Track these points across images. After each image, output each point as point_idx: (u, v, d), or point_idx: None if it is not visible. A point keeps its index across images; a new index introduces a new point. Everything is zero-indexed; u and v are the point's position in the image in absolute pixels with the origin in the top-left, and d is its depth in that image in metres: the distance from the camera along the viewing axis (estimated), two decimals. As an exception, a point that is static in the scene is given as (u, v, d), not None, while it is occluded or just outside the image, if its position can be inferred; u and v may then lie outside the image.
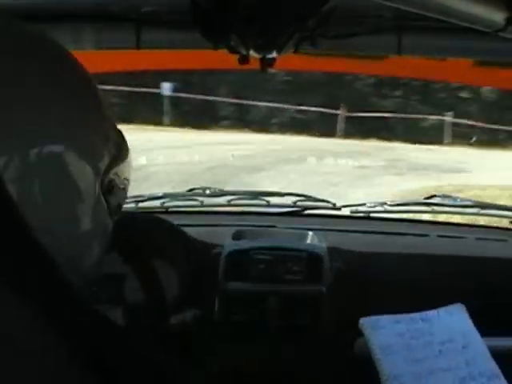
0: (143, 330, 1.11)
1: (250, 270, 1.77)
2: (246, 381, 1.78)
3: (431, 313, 1.26)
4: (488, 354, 1.19)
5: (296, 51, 1.16)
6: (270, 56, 1.15)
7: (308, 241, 1.85)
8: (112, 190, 0.71)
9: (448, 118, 15.80)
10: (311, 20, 1.07)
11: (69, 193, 0.65)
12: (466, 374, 1.14)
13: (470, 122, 15.09)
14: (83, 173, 0.66)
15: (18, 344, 0.50)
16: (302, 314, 1.77)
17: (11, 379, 0.48)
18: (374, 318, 1.22)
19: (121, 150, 0.73)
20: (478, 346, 1.21)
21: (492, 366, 1.17)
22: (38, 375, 0.50)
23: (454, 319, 1.27)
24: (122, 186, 0.73)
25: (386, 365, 1.14)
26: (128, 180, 0.75)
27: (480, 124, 14.85)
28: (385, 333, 1.20)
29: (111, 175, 0.70)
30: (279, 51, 1.13)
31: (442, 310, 1.28)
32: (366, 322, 1.21)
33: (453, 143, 14.81)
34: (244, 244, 1.83)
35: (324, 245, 1.83)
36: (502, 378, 1.14)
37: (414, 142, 13.62)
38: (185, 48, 1.35)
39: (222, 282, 1.77)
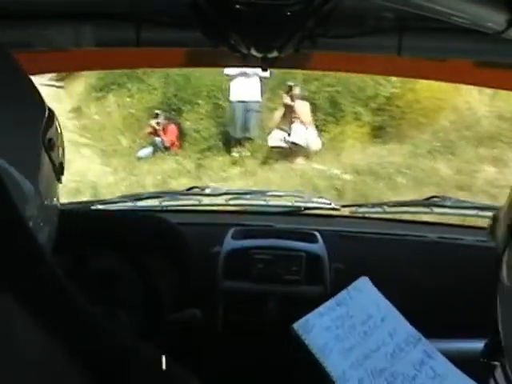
0: (141, 330, 1.10)
1: (248, 270, 1.77)
2: (245, 380, 1.78)
3: (342, 294, 1.25)
4: (403, 319, 1.21)
5: (296, 51, 1.16)
6: (270, 55, 1.15)
7: (307, 241, 1.85)
8: (53, 147, 0.80)
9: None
10: (312, 20, 1.07)
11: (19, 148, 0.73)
12: (394, 346, 1.15)
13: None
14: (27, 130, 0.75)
15: (15, 343, 0.50)
16: (300, 313, 1.77)
17: (10, 378, 0.48)
18: (303, 320, 1.21)
19: (50, 114, 0.82)
20: (393, 314, 1.23)
21: (411, 329, 1.18)
22: (37, 374, 0.50)
23: (364, 294, 1.28)
24: (59, 146, 0.83)
25: (330, 366, 1.14)
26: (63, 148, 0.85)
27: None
28: (316, 332, 1.19)
29: (49, 135, 0.79)
30: (280, 51, 1.13)
31: (351, 288, 1.27)
32: (298, 327, 1.20)
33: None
34: (243, 243, 1.83)
35: (323, 245, 1.83)
36: (423, 338, 1.16)
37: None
38: (185, 47, 1.35)
39: (220, 281, 1.76)
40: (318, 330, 1.19)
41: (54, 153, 0.81)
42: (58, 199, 0.84)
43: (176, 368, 0.62)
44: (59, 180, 0.83)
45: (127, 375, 0.55)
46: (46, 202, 0.78)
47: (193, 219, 2.04)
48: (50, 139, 0.80)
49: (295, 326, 1.20)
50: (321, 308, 1.23)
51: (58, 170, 0.83)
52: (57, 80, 10.36)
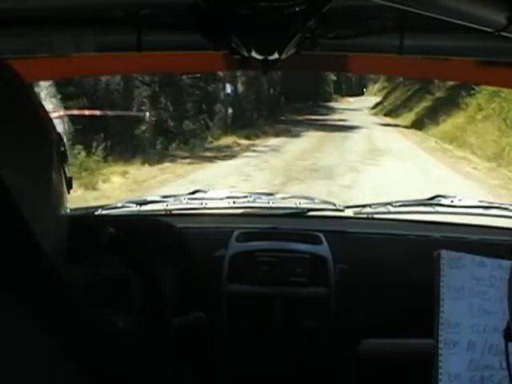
0: (144, 333, 1.10)
1: (253, 272, 1.77)
2: (250, 382, 1.78)
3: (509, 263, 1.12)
4: None
5: (298, 52, 1.16)
6: (271, 57, 1.15)
7: (311, 242, 1.85)
8: (65, 159, 0.84)
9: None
10: (312, 21, 1.06)
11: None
12: None
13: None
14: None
15: (12, 342, 0.50)
16: (306, 315, 1.77)
17: (6, 377, 0.48)
18: (456, 254, 1.11)
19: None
20: None
21: None
22: (32, 374, 0.50)
23: None
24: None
25: (447, 309, 1.06)
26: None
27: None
28: (461, 273, 1.09)
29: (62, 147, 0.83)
30: (281, 52, 1.12)
31: None
32: (445, 256, 1.11)
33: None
34: (247, 246, 1.82)
35: (327, 246, 1.82)
36: None
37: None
38: (186, 50, 1.35)
39: (225, 284, 1.76)
40: (466, 273, 1.09)
41: (66, 165, 0.84)
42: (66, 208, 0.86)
43: (178, 371, 0.62)
44: (69, 191, 0.86)
45: (125, 377, 0.55)
46: (57, 212, 0.80)
47: (197, 223, 2.04)
48: (63, 151, 0.83)
49: (444, 252, 1.10)
50: (484, 258, 1.11)
51: (69, 183, 0.86)
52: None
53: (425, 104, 25.58)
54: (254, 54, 1.14)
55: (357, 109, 34.71)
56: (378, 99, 42.93)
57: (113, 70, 1.67)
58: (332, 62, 1.48)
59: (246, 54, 1.14)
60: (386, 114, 31.64)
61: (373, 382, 1.74)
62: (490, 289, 1.09)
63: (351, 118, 25.01)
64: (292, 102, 28.06)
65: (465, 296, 1.07)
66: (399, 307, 1.72)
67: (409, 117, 25.98)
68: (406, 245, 1.95)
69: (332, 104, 40.30)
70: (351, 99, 48.33)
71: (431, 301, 1.73)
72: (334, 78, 39.96)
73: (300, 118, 24.20)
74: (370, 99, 44.77)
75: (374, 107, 38.57)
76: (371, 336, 1.66)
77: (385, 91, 45.31)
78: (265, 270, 1.77)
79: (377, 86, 54.99)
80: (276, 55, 1.14)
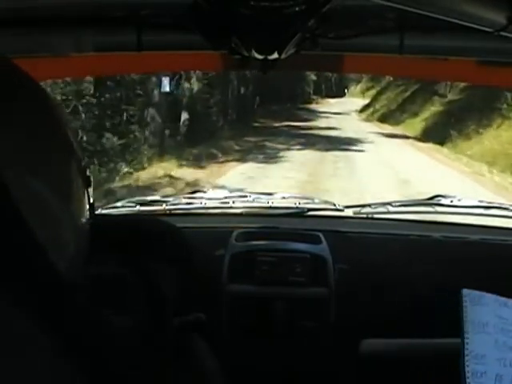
0: (144, 333, 1.10)
1: (253, 272, 1.77)
2: (250, 382, 1.77)
3: None
4: None
5: (298, 52, 1.16)
6: (271, 57, 1.15)
7: (311, 242, 1.85)
8: (90, 183, 0.81)
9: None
10: (313, 20, 1.06)
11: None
12: None
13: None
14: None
15: (12, 342, 0.50)
16: (306, 315, 1.77)
17: (6, 377, 0.48)
18: (478, 292, 1.15)
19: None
20: None
21: None
22: (31, 373, 0.50)
23: None
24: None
25: (473, 341, 1.09)
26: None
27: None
28: (484, 310, 1.13)
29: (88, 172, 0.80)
30: (281, 52, 1.12)
31: None
32: (467, 294, 1.14)
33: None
34: (247, 246, 1.83)
35: (327, 246, 1.83)
36: None
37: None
38: (186, 50, 1.35)
39: (225, 284, 1.76)
40: (489, 311, 1.12)
41: (90, 188, 0.83)
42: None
43: (177, 371, 0.62)
44: (89, 200, 0.84)
45: (124, 377, 0.55)
46: (78, 221, 0.79)
47: (197, 222, 2.04)
48: (88, 177, 0.81)
49: (465, 291, 1.14)
50: (506, 300, 1.14)
51: (92, 205, 0.84)
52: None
53: (434, 108, 21.09)
54: (253, 54, 1.14)
55: (343, 112, 31.32)
56: (363, 101, 39.07)
57: (113, 69, 1.66)
58: (332, 61, 1.48)
59: (245, 53, 1.14)
60: (381, 120, 27.05)
61: (373, 382, 1.74)
62: (509, 326, 1.13)
63: (341, 125, 20.12)
64: (267, 104, 24.00)
65: (489, 332, 1.11)
66: (399, 307, 1.72)
67: (414, 124, 21.18)
68: (406, 245, 1.95)
69: (313, 106, 36.86)
70: (332, 101, 44.47)
71: (431, 301, 1.73)
72: (314, 77, 36.55)
73: (277, 124, 19.56)
74: (353, 101, 41.41)
75: (363, 110, 34.52)
76: (371, 336, 1.66)
77: (371, 92, 41.45)
78: (264, 269, 1.77)
79: (359, 87, 51.85)
80: (276, 55, 1.14)
